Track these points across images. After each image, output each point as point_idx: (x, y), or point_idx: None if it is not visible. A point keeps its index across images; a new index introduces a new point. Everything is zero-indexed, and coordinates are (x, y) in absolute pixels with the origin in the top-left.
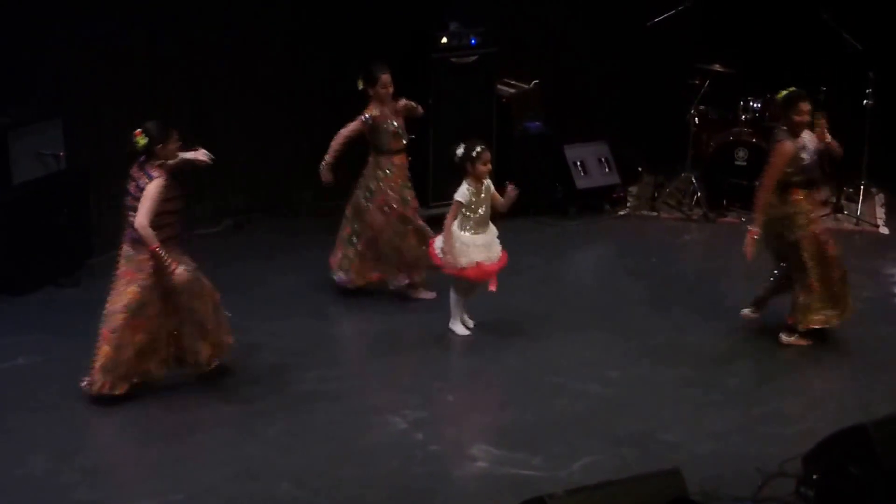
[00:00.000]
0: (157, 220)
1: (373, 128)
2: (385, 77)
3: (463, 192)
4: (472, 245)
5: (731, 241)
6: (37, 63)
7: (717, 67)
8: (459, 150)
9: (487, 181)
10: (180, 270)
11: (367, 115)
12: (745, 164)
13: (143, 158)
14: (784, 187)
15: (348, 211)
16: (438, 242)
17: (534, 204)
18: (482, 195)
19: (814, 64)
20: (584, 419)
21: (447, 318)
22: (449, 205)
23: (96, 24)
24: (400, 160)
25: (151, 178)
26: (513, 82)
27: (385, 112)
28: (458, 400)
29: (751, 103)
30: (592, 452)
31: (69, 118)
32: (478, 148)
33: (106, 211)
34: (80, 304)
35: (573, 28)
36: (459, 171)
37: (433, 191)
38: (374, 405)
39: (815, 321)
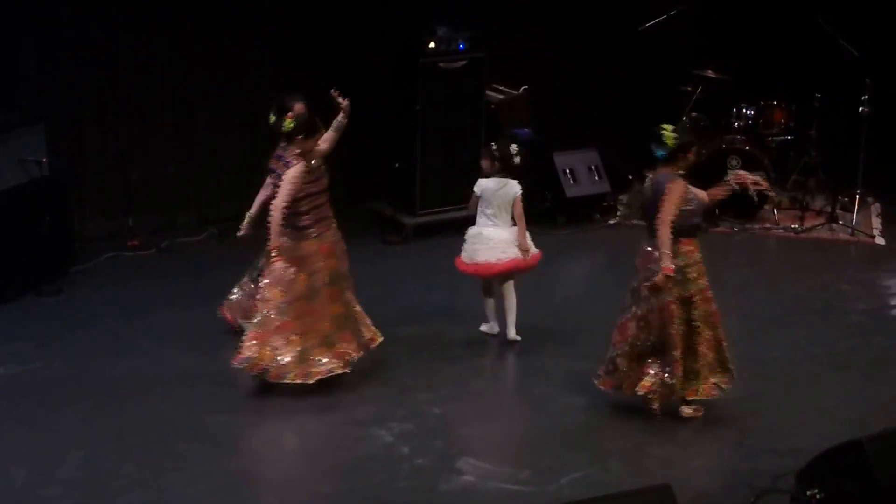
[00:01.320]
0: (307, 203)
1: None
2: (300, 107)
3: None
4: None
5: (723, 252)
6: (19, 69)
7: (710, 73)
8: (514, 149)
9: None
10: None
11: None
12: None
13: (281, 146)
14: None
15: None
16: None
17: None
18: None
19: (809, 70)
20: (572, 433)
21: (434, 332)
22: (437, 212)
23: (79, 29)
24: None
25: (289, 165)
26: (501, 88)
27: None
28: (445, 413)
29: (744, 110)
30: (581, 467)
31: (52, 124)
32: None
33: (89, 218)
34: (61, 312)
35: (563, 32)
36: (508, 170)
37: (421, 198)
38: (359, 418)
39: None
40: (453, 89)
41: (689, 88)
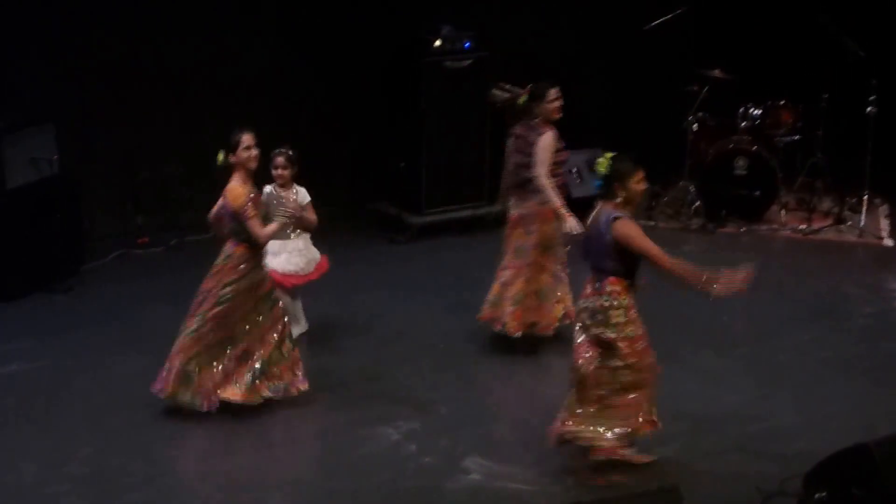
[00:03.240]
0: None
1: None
2: (247, 138)
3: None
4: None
5: (729, 253)
6: (29, 68)
7: (717, 73)
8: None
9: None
10: (572, 223)
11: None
12: (744, 172)
13: (523, 119)
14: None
15: None
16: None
17: None
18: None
19: (815, 70)
20: None
21: (440, 330)
22: (442, 212)
23: (88, 29)
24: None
25: (540, 134)
26: (507, 87)
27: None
28: (452, 411)
29: (751, 110)
30: (589, 467)
31: (62, 123)
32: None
33: (99, 216)
34: (72, 310)
35: (568, 31)
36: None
37: (426, 198)
38: (365, 416)
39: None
40: (458, 88)
41: (696, 88)
